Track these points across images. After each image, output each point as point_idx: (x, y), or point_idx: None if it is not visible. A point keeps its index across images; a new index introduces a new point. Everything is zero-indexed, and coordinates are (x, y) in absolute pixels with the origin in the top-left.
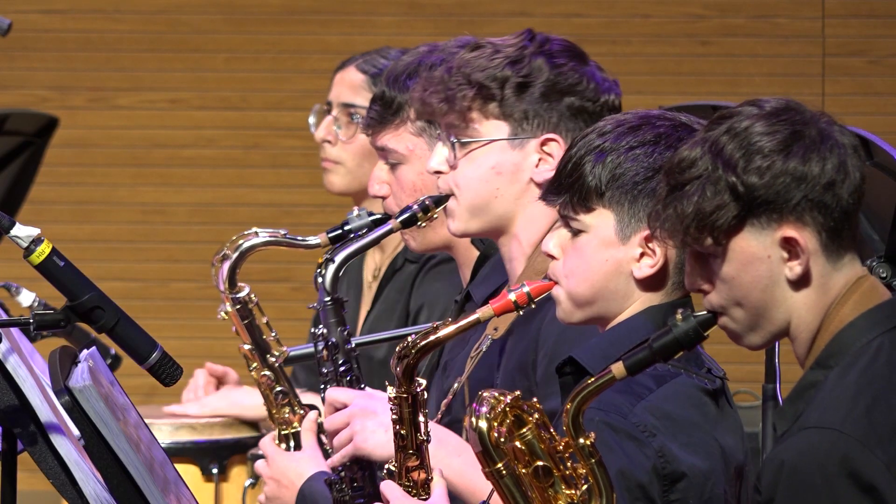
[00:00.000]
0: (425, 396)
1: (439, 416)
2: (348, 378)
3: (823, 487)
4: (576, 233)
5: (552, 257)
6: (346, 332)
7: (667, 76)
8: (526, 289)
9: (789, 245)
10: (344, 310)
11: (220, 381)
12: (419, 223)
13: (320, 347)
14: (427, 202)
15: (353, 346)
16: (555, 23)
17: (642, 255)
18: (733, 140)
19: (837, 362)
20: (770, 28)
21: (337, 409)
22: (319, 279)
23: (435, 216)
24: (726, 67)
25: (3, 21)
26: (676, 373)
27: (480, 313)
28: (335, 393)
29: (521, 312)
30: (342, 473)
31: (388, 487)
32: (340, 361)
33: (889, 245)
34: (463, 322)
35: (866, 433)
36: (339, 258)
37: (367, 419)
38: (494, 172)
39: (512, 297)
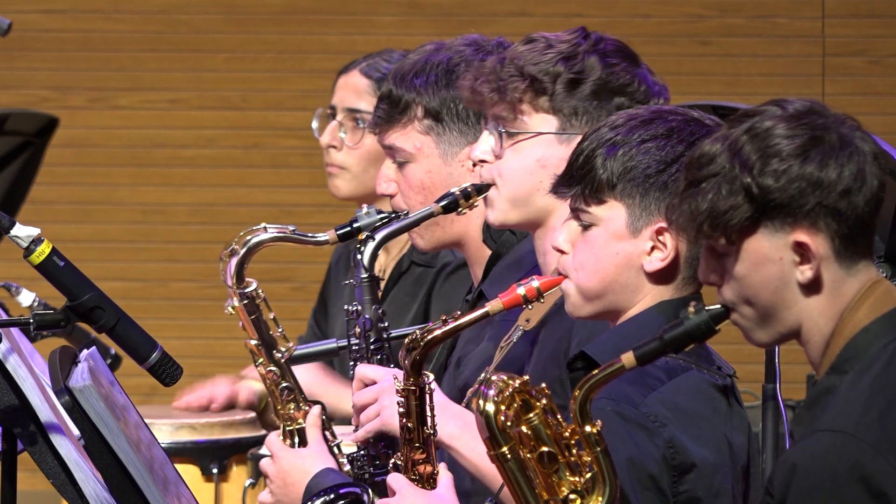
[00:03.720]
0: (433, 390)
1: (463, 404)
2: (378, 357)
3: (834, 491)
4: (586, 227)
5: (561, 251)
6: (380, 311)
7: (667, 76)
8: (535, 283)
9: (801, 249)
10: (379, 288)
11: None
12: (459, 209)
13: (353, 324)
14: (469, 189)
15: (387, 324)
16: (555, 23)
17: (653, 248)
18: (752, 140)
19: (852, 367)
20: (770, 28)
21: (366, 385)
22: (358, 256)
23: (476, 204)
24: (726, 67)
25: (3, 21)
26: (688, 367)
27: (490, 307)
28: (365, 369)
29: (530, 307)
30: (364, 451)
31: (395, 479)
32: (372, 339)
33: (889, 245)
34: (472, 315)
35: (879, 438)
36: (379, 236)
37: (395, 396)
38: (539, 165)
39: (521, 291)
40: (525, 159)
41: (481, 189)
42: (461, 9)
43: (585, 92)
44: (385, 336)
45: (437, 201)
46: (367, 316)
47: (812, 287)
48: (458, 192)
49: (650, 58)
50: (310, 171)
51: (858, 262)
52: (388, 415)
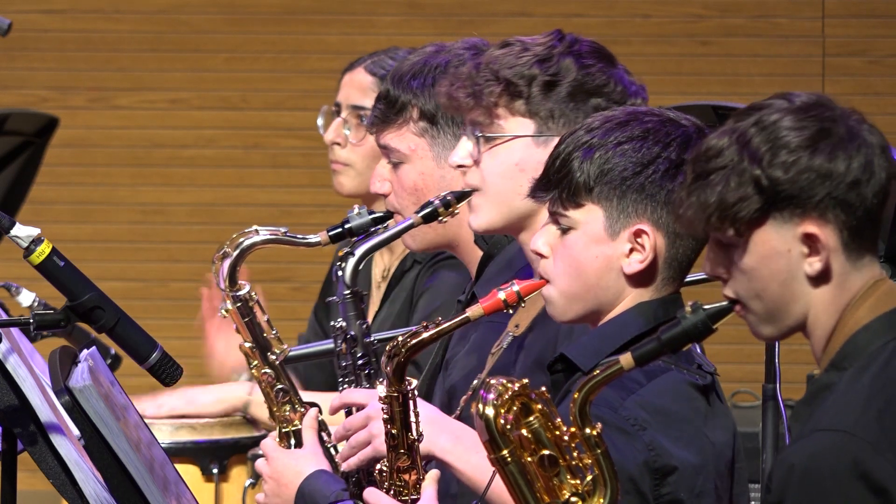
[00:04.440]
0: (416, 395)
1: (458, 412)
2: (367, 372)
3: (834, 490)
4: (565, 230)
5: (541, 255)
6: (364, 326)
7: (667, 76)
8: (515, 287)
9: (810, 241)
10: (363, 303)
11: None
12: (440, 218)
13: (339, 341)
14: (449, 197)
15: (373, 339)
16: (555, 23)
17: (631, 250)
18: (761, 133)
19: (851, 364)
20: (770, 28)
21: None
22: (339, 272)
23: (456, 212)
24: (726, 67)
25: (3, 21)
26: (667, 368)
27: (470, 312)
28: (351, 394)
29: (511, 311)
30: (357, 472)
31: (372, 494)
32: (359, 355)
33: (889, 245)
34: (452, 321)
35: (878, 436)
36: (359, 252)
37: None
38: (518, 169)
39: (501, 295)
40: (503, 164)
41: (461, 196)
42: (461, 9)
43: (561, 94)
44: (373, 350)
45: (417, 211)
46: (352, 332)
47: (820, 279)
48: (437, 202)
49: (650, 58)
50: (310, 171)
51: (864, 257)
52: (379, 442)
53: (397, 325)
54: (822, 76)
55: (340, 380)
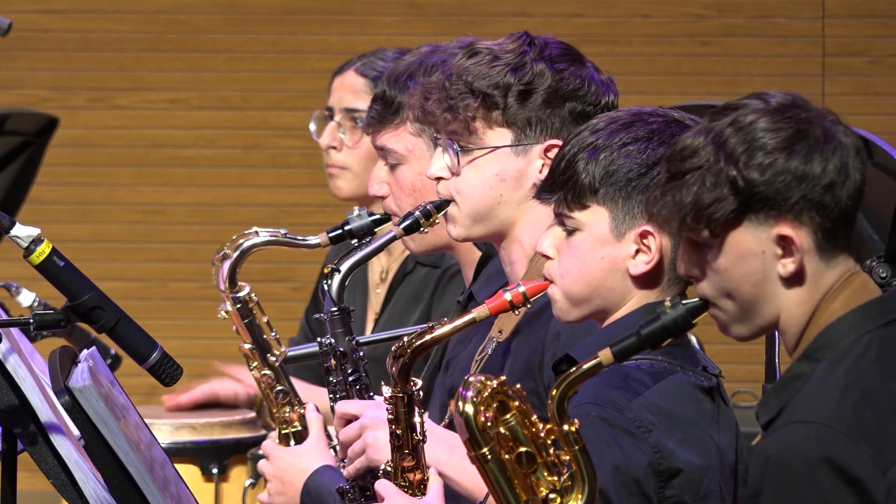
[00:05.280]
0: (421, 396)
1: (447, 419)
2: (357, 387)
3: (809, 480)
4: (570, 232)
5: (547, 257)
6: (353, 342)
7: (667, 76)
8: (521, 288)
9: (784, 243)
10: (350, 319)
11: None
12: (421, 229)
13: (328, 357)
14: (429, 207)
15: (361, 353)
16: (555, 23)
17: (637, 251)
18: (737, 133)
19: (825, 356)
20: (770, 28)
21: (348, 422)
22: (325, 289)
23: (437, 221)
24: (726, 67)
25: (3, 21)
26: (672, 370)
27: (476, 313)
28: (344, 406)
29: (517, 312)
30: (354, 482)
31: (383, 486)
32: (349, 370)
33: (889, 245)
34: (458, 322)
35: (853, 427)
36: (344, 267)
37: (378, 430)
38: (498, 179)
39: (508, 296)
40: (483, 175)
41: (441, 206)
42: (461, 9)
43: (537, 102)
44: (363, 364)
45: (399, 223)
46: (341, 348)
47: (793, 280)
48: (418, 213)
49: (650, 58)
50: (310, 171)
51: (838, 255)
52: (373, 451)
53: (403, 327)
54: (822, 76)
55: (331, 395)
